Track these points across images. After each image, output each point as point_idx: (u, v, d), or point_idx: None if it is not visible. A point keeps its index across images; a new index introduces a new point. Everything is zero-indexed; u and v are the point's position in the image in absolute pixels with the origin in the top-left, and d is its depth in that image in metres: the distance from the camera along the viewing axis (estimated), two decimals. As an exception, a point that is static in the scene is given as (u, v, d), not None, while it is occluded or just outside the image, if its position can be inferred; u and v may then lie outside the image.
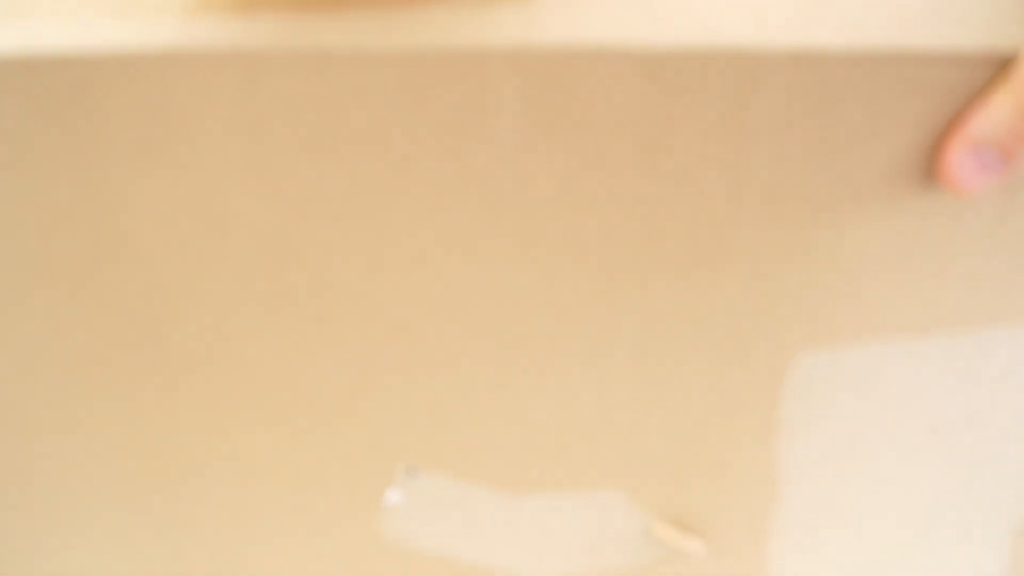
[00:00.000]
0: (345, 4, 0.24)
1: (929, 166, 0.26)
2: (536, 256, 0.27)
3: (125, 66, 0.23)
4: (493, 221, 0.27)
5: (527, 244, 0.27)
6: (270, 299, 0.28)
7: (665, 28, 0.24)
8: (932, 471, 0.34)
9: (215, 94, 0.24)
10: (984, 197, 0.27)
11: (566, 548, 0.35)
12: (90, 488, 0.33)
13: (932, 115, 0.25)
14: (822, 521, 0.35)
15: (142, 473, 0.33)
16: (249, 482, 0.33)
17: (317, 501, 0.33)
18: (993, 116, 0.24)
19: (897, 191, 0.26)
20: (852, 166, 0.26)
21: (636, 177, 0.26)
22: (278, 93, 0.24)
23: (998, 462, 0.34)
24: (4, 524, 0.34)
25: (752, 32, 0.24)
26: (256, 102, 0.24)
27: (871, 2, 0.25)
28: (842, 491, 0.34)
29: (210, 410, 0.31)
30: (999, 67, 0.24)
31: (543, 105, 0.24)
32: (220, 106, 0.24)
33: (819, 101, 0.25)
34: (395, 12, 0.24)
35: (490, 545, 0.35)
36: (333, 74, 0.24)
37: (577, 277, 0.28)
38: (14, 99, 0.24)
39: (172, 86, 0.24)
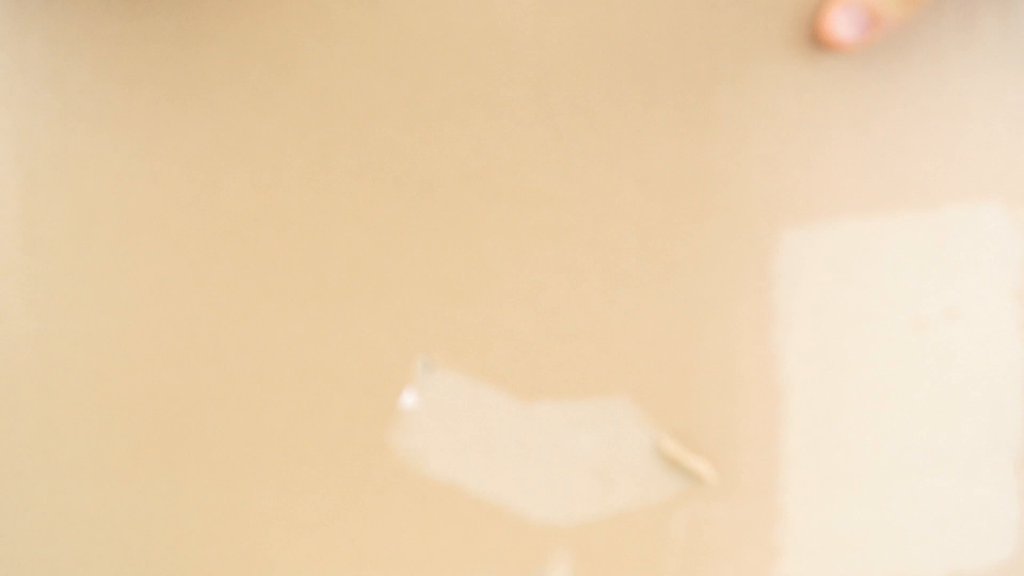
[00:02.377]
0: None
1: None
2: (550, 114, 0.32)
3: None
4: (512, 76, 0.31)
5: (543, 102, 0.32)
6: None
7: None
8: (924, 381, 0.35)
9: None
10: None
11: (577, 481, 0.35)
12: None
13: None
14: (824, 442, 0.35)
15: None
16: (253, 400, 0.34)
17: (327, 414, 0.34)
18: None
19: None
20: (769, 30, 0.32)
21: (631, 36, 0.31)
22: None
23: (986, 372, 0.35)
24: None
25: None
26: None
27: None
28: (838, 405, 0.35)
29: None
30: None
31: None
32: None
33: None
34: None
35: (502, 473, 0.35)
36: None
37: (585, 138, 0.32)
38: None
39: None
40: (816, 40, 0.31)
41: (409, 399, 0.34)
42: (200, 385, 0.33)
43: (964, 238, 0.34)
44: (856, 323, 0.34)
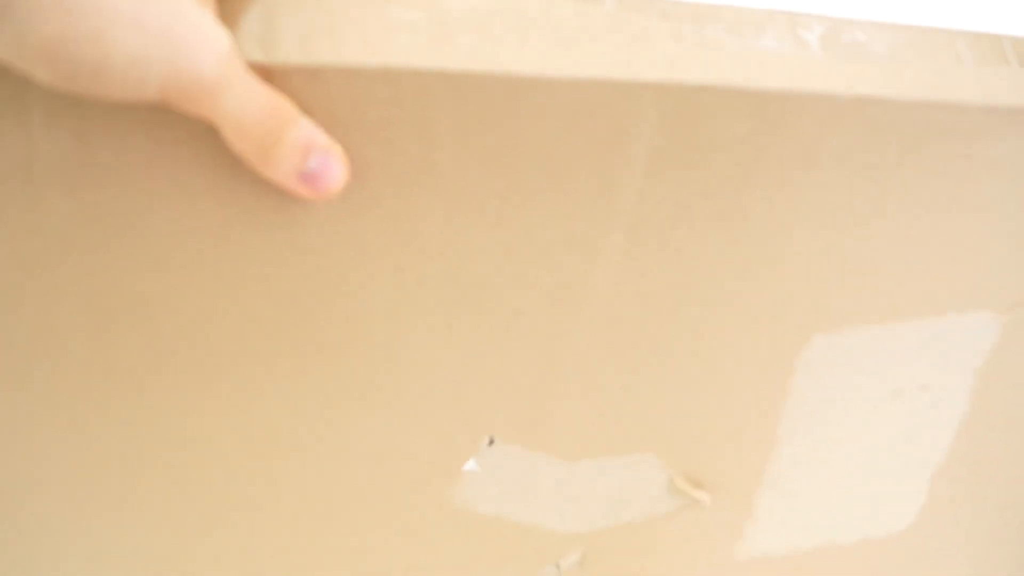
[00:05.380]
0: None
1: None
2: (639, 256, 0.33)
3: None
4: (611, 225, 0.32)
5: (635, 245, 0.32)
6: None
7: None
8: (887, 428, 0.42)
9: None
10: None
11: (599, 503, 0.41)
12: (92, 488, 0.34)
13: None
14: (797, 471, 0.43)
15: (145, 473, 0.35)
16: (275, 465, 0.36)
17: (398, 476, 0.37)
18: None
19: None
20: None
21: (729, 194, 0.32)
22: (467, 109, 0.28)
23: (934, 420, 0.43)
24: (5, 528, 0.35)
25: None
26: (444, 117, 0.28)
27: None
28: (817, 446, 0.42)
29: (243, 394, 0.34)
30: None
31: (673, 132, 0.30)
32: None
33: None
34: (565, 46, 0.29)
35: (538, 506, 0.40)
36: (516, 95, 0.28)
37: (666, 274, 0.34)
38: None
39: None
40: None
41: (472, 465, 0.38)
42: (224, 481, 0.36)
43: (953, 335, 0.39)
44: (846, 393, 0.40)
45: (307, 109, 0.27)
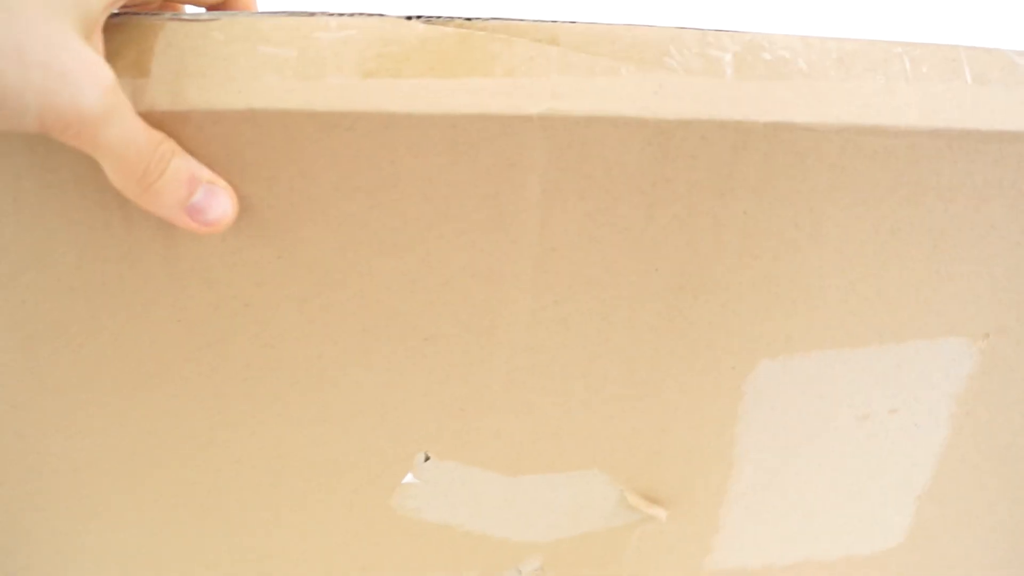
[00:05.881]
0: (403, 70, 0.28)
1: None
2: (551, 283, 0.32)
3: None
4: (517, 254, 0.31)
5: (545, 273, 0.32)
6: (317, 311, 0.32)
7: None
8: (858, 449, 0.40)
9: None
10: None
11: (553, 516, 0.41)
12: (104, 484, 0.36)
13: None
14: (766, 490, 0.41)
15: (157, 469, 0.36)
16: (269, 471, 0.37)
17: (337, 485, 0.38)
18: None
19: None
20: (818, 219, 0.31)
21: (638, 223, 0.30)
22: (345, 147, 0.27)
23: (911, 443, 0.40)
24: (19, 522, 0.37)
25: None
26: (330, 154, 0.28)
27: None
28: (784, 466, 0.40)
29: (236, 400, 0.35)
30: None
31: (566, 163, 0.29)
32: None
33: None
34: (442, 79, 0.28)
35: (488, 516, 0.40)
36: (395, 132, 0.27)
37: (583, 300, 0.33)
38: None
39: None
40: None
41: (409, 477, 0.38)
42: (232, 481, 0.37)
43: (923, 361, 0.37)
44: (809, 419, 0.38)
45: (185, 149, 0.27)
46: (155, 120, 0.27)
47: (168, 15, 0.28)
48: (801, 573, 0.46)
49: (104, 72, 0.25)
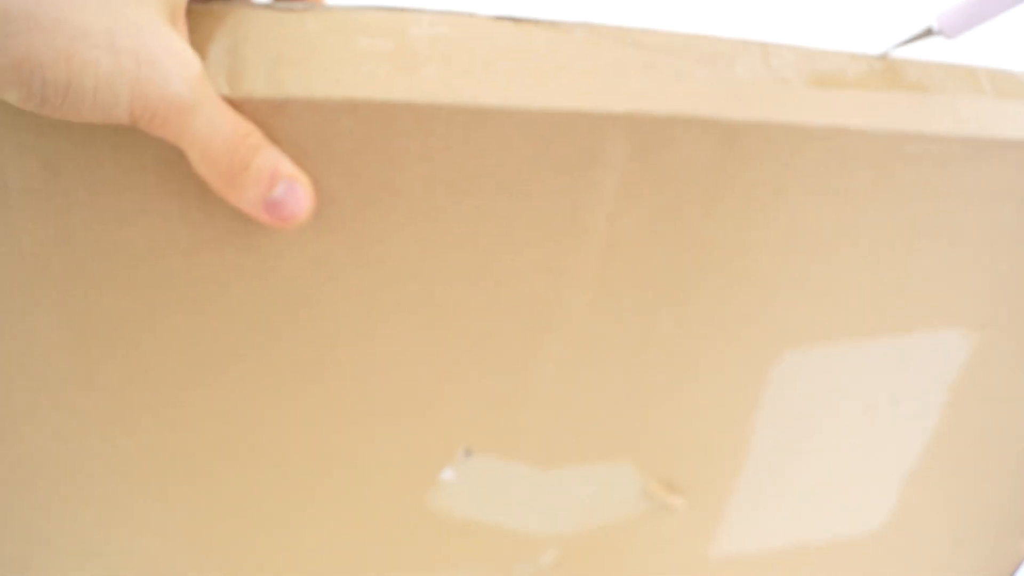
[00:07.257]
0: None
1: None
2: (611, 279, 0.33)
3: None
4: (582, 249, 0.32)
5: (607, 268, 0.33)
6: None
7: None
8: (858, 438, 0.43)
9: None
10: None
11: (575, 507, 0.42)
12: (117, 482, 0.35)
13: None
14: (771, 478, 0.44)
15: (170, 467, 0.36)
16: (296, 470, 0.37)
17: (374, 482, 0.38)
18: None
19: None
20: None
21: (698, 219, 0.32)
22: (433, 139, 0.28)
23: (905, 431, 0.43)
24: (46, 524, 0.36)
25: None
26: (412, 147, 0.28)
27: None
28: (791, 455, 0.43)
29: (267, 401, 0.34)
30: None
31: (643, 161, 0.30)
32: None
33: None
34: (536, 77, 0.29)
35: (512, 509, 0.41)
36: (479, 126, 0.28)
37: (638, 295, 0.34)
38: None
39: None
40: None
41: (448, 474, 0.38)
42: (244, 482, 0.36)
43: (925, 352, 0.40)
44: (819, 406, 0.41)
45: (273, 139, 0.27)
46: (250, 109, 0.26)
47: (253, 2, 0.28)
48: (792, 557, 0.49)
49: (192, 60, 0.25)
